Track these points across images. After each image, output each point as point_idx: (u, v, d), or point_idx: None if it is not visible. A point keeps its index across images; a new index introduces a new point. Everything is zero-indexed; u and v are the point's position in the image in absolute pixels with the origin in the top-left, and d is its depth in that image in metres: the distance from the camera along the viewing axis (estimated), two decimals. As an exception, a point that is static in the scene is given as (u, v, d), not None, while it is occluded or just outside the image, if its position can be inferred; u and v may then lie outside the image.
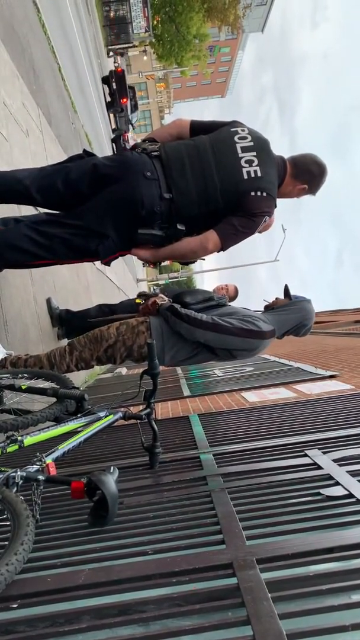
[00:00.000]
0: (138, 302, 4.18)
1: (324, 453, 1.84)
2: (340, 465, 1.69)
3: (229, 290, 4.06)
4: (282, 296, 2.49)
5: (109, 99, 15.95)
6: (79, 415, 1.80)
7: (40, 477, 1.31)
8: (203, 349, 2.30)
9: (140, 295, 3.04)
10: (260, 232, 2.35)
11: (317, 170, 2.27)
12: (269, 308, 2.43)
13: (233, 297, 4.06)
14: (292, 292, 2.46)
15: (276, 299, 2.45)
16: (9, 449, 1.43)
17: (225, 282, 4.30)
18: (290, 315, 2.35)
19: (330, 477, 1.59)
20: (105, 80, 16.07)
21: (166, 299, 2.34)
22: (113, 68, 16.18)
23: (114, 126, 16.78)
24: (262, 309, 2.45)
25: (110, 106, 16.09)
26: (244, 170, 2.11)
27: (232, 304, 3.45)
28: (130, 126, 17.26)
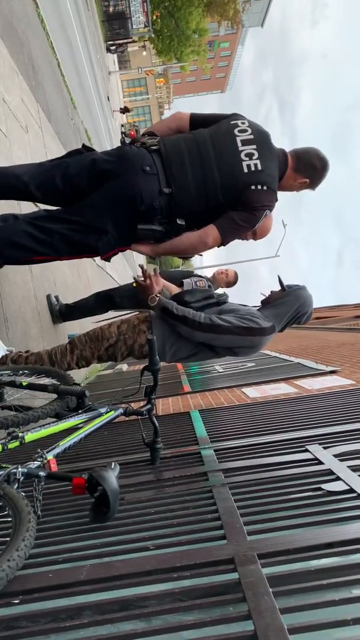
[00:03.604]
0: (135, 285, 4.19)
1: (325, 448, 1.84)
2: (341, 460, 1.69)
3: (229, 275, 4.04)
4: (276, 289, 2.46)
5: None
6: (79, 411, 1.80)
7: (42, 474, 1.31)
8: (204, 348, 2.30)
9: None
10: (255, 239, 2.33)
11: (319, 164, 2.26)
12: (265, 303, 2.41)
13: (233, 282, 4.05)
14: (287, 282, 2.43)
15: (271, 292, 2.43)
16: (10, 446, 1.43)
17: (226, 268, 4.29)
18: (287, 307, 2.33)
19: (331, 472, 1.59)
20: (123, 134, 21.55)
21: (159, 296, 2.24)
22: (127, 133, 20.74)
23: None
24: (260, 305, 2.43)
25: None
26: (244, 163, 2.10)
27: (232, 289, 3.37)
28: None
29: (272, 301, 2.37)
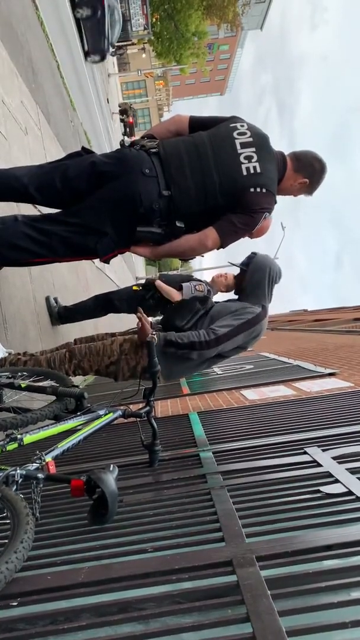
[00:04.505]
0: (135, 289, 4.21)
1: (324, 451, 1.84)
2: (339, 462, 1.70)
3: (228, 278, 4.05)
4: (236, 273, 2.49)
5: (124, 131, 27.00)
6: (78, 413, 1.80)
7: (40, 475, 1.31)
8: (212, 358, 2.32)
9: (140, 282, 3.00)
10: (252, 237, 2.34)
11: (318, 166, 2.27)
12: (239, 292, 2.43)
13: (232, 286, 4.05)
14: (238, 261, 2.46)
15: (234, 278, 2.47)
16: (9, 448, 1.43)
17: (225, 271, 4.29)
18: (261, 283, 2.36)
19: (329, 475, 1.60)
20: (122, 121, 27.49)
21: (155, 334, 2.23)
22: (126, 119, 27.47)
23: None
24: (236, 296, 2.46)
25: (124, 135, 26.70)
26: (243, 166, 2.10)
27: (229, 294, 3.40)
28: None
29: (243, 286, 2.39)
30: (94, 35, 12.88)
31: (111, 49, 15.26)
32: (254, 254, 2.45)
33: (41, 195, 2.17)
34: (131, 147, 2.19)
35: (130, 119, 27.38)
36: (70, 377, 2.35)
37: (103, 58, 14.49)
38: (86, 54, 13.21)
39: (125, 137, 27.86)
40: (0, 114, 3.56)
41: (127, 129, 27.71)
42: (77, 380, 4.74)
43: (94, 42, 13.13)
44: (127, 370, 2.31)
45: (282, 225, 25.20)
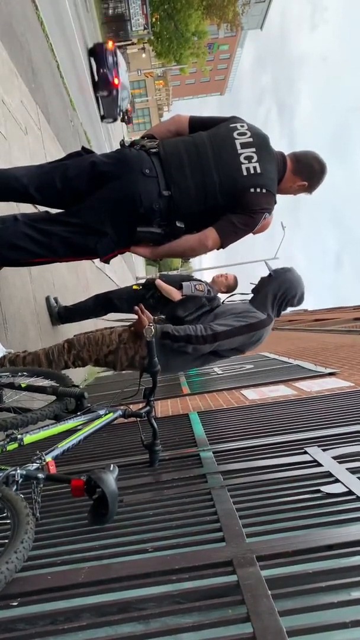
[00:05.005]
0: (135, 288, 4.22)
1: (324, 450, 1.84)
2: (339, 462, 1.70)
3: (228, 279, 4.06)
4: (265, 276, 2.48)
5: (121, 118, 25.65)
6: (78, 413, 1.80)
7: (40, 475, 1.30)
8: (209, 355, 2.32)
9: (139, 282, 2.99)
10: (254, 233, 2.34)
11: (318, 167, 2.26)
12: (256, 292, 2.42)
13: (233, 287, 4.06)
14: (274, 267, 2.44)
15: (261, 278, 2.45)
16: (9, 447, 1.43)
17: (225, 271, 4.29)
18: (271, 293, 2.34)
19: (329, 475, 1.60)
20: (122, 119, 27.61)
21: (152, 325, 2.24)
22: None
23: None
24: (251, 294, 2.44)
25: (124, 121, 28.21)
26: (243, 166, 2.10)
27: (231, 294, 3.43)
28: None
29: (261, 289, 2.39)
30: (109, 106, 17.29)
31: (121, 114, 20.26)
32: (289, 268, 2.43)
33: (41, 195, 2.17)
34: (131, 147, 2.18)
35: (130, 108, 29.85)
36: (71, 369, 2.35)
37: (115, 120, 19.24)
38: (102, 117, 17.52)
39: (125, 128, 28.66)
40: (0, 114, 3.55)
41: (126, 117, 29.52)
42: (77, 379, 4.74)
43: (109, 110, 17.46)
44: (125, 360, 2.31)
45: (283, 225, 25.13)
